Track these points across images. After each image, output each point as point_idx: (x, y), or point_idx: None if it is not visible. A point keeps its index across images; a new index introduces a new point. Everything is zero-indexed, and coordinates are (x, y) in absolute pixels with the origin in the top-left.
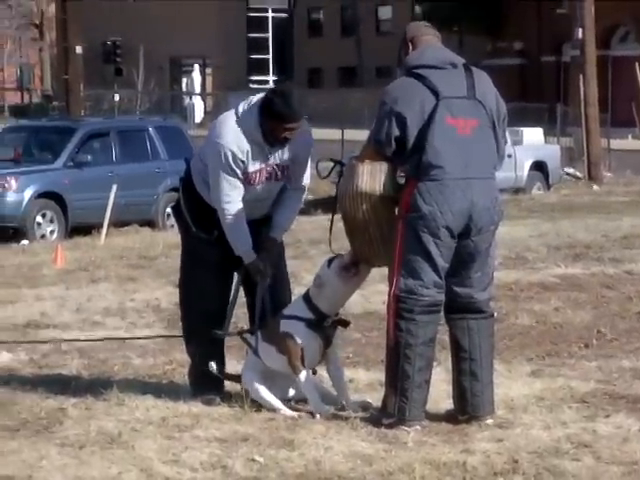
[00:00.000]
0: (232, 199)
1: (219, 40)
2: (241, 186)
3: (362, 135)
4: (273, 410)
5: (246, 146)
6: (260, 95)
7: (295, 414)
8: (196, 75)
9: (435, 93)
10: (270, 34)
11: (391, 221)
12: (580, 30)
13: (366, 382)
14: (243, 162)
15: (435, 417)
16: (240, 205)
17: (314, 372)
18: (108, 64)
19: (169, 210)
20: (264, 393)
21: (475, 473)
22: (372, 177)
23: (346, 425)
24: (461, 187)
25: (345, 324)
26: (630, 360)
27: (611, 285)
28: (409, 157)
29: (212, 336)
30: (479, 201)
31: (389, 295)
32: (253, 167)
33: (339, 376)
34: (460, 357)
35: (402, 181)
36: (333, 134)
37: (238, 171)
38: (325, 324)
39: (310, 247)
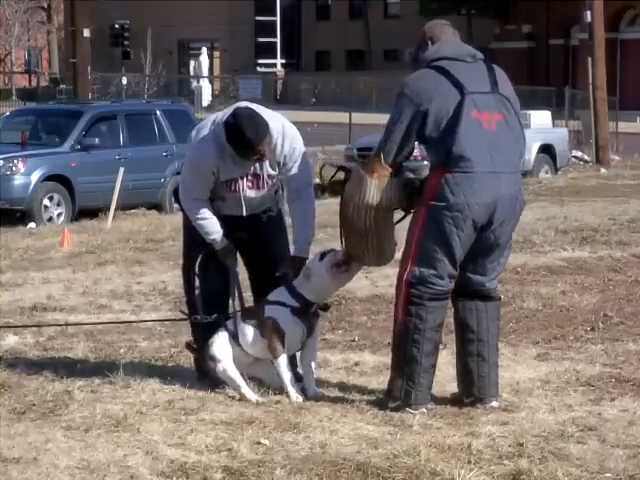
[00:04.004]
0: (198, 196)
1: (227, 23)
2: (207, 188)
3: (370, 118)
4: (239, 388)
5: (215, 159)
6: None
7: (255, 397)
8: (204, 58)
9: (459, 88)
10: (278, 17)
11: (389, 226)
12: (588, 13)
13: (372, 365)
14: (213, 173)
15: (441, 400)
16: (205, 201)
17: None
18: (116, 47)
19: None
20: (231, 371)
21: (480, 456)
22: (379, 192)
23: (352, 408)
24: (489, 180)
25: (326, 308)
26: (636, 343)
27: (618, 268)
28: (436, 147)
29: (215, 318)
30: (505, 195)
31: (400, 279)
32: (226, 176)
33: (310, 367)
34: (468, 339)
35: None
36: (341, 117)
37: (206, 179)
38: (310, 311)
39: (317, 231)
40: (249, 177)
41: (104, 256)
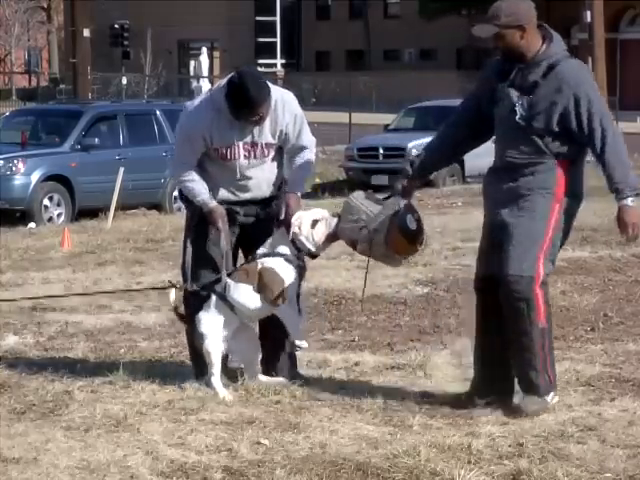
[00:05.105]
0: (186, 160)
1: (227, 23)
2: (196, 155)
3: (369, 118)
4: (211, 376)
5: (208, 124)
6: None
7: (224, 393)
8: (204, 58)
9: None
10: (278, 17)
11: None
12: (588, 13)
13: (372, 365)
14: (204, 138)
15: (441, 400)
16: (192, 166)
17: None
18: (116, 47)
19: (176, 193)
20: (214, 356)
21: (480, 456)
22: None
23: (352, 408)
24: None
25: (314, 256)
26: (636, 343)
27: (618, 269)
28: (574, 139)
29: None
30: None
31: (534, 281)
32: (221, 142)
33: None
34: (505, 330)
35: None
36: (341, 117)
37: (196, 145)
38: (299, 258)
39: None
40: (245, 145)
41: (104, 256)
